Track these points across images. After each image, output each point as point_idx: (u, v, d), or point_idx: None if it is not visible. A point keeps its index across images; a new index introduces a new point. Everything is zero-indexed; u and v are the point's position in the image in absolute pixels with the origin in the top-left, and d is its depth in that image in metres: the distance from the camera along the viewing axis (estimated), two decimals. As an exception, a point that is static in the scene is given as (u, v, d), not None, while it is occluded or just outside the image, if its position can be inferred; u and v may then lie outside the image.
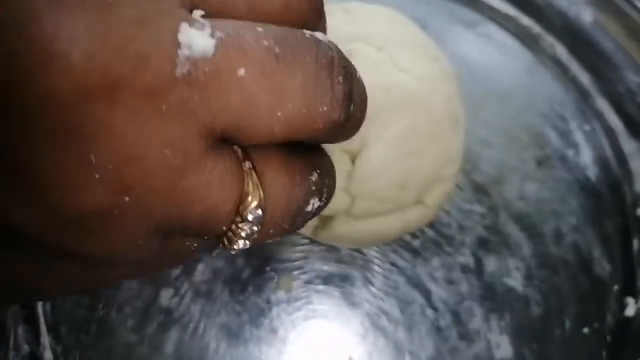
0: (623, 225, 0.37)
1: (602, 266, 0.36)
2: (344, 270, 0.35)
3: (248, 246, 0.17)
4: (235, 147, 0.16)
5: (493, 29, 0.41)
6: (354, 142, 0.27)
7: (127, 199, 0.14)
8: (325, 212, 0.30)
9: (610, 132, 0.39)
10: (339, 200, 0.29)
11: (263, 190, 0.16)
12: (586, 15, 0.40)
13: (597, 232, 0.37)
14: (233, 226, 0.16)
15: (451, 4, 0.42)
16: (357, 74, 0.18)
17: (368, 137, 0.27)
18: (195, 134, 0.14)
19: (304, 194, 0.18)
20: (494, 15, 0.41)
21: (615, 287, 0.35)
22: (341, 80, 0.16)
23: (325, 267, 0.35)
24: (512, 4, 0.42)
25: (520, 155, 0.38)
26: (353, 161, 0.28)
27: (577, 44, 0.40)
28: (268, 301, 0.34)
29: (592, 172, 0.38)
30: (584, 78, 0.40)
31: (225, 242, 0.17)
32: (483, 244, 0.36)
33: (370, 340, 0.33)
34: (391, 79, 0.27)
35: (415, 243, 0.36)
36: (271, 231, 0.18)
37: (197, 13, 0.14)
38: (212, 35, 0.14)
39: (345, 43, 0.28)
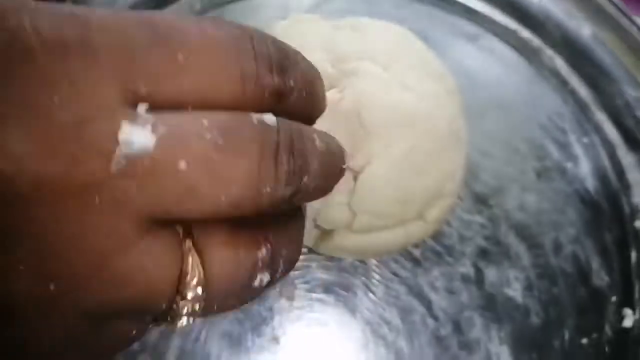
0: (621, 237, 0.37)
1: (601, 277, 0.36)
2: (345, 279, 0.35)
3: (192, 322, 0.17)
4: (177, 225, 0.16)
5: (494, 42, 0.41)
6: (357, 160, 0.28)
7: (52, 287, 0.14)
8: (326, 225, 0.30)
9: (608, 145, 0.39)
10: (340, 215, 0.29)
11: (204, 268, 0.16)
12: (585, 30, 0.41)
13: (595, 243, 0.37)
14: (174, 305, 0.16)
15: (452, 17, 0.42)
16: (315, 143, 0.18)
17: (371, 154, 0.28)
18: (130, 221, 0.14)
19: (249, 271, 0.17)
20: (494, 28, 0.42)
21: (614, 298, 0.36)
22: (285, 161, 0.16)
23: (327, 276, 0.35)
24: (512, 18, 0.42)
25: (520, 166, 0.39)
26: (355, 178, 0.29)
27: (577, 57, 0.41)
28: (270, 309, 0.34)
29: (591, 184, 0.39)
30: (583, 91, 0.41)
31: (168, 319, 0.17)
32: (483, 254, 0.36)
33: (371, 349, 0.33)
34: (395, 98, 0.28)
35: (416, 253, 0.36)
36: (215, 307, 0.17)
37: (142, 108, 0.14)
38: (153, 130, 0.14)
39: (352, 61, 0.29)
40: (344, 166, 0.25)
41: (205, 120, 0.15)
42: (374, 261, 0.36)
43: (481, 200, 0.37)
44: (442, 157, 0.29)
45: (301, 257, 0.35)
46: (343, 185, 0.29)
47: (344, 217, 0.29)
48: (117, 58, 0.14)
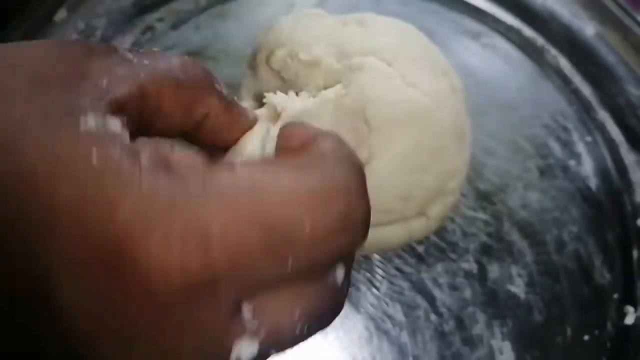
0: (623, 235, 0.38)
1: (603, 275, 0.36)
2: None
3: None
4: None
5: (498, 40, 0.42)
6: (360, 154, 0.28)
7: None
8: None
9: (611, 144, 0.40)
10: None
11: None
12: (589, 29, 0.41)
13: (597, 241, 0.37)
14: None
15: (457, 14, 0.42)
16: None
17: (374, 149, 0.28)
18: None
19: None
20: (498, 26, 0.42)
21: (615, 295, 0.36)
22: None
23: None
24: (516, 16, 0.42)
25: (524, 164, 0.39)
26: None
27: (580, 56, 0.41)
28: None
29: (593, 182, 0.39)
30: (586, 90, 0.41)
31: None
32: (486, 250, 0.36)
33: (375, 343, 0.34)
34: (399, 94, 0.28)
35: (420, 249, 0.36)
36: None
37: (247, 313, 0.16)
38: (257, 335, 0.16)
39: (357, 56, 0.29)
40: None
41: (297, 311, 0.16)
42: (377, 257, 0.36)
43: (484, 198, 0.38)
44: (445, 155, 0.29)
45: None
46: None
47: (347, 211, 0.29)
48: (236, 283, 0.15)
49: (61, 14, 0.40)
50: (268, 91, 0.32)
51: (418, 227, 0.31)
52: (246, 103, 0.32)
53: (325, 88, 0.29)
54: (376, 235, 0.31)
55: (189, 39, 0.42)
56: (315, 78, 0.29)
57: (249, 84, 0.33)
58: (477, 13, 0.42)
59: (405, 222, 0.30)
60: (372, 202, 0.29)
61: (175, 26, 0.42)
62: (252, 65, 0.33)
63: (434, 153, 0.28)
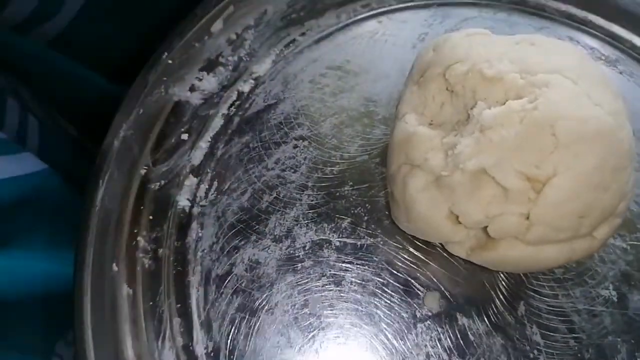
0: None
1: None
2: (484, 293, 0.35)
3: None
4: None
5: (635, 67, 0.41)
6: (541, 170, 0.28)
7: None
8: (496, 234, 0.30)
9: None
10: (514, 224, 0.29)
11: None
12: None
13: None
14: None
15: (592, 40, 0.42)
16: None
17: (559, 165, 0.27)
18: None
19: None
20: (634, 52, 0.42)
21: None
22: None
23: (466, 288, 0.35)
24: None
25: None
26: (534, 189, 0.28)
27: None
28: (414, 317, 0.33)
29: None
30: None
31: None
32: (626, 279, 0.36)
33: (514, 366, 0.33)
34: (588, 112, 0.28)
35: (557, 272, 0.36)
36: None
37: None
38: None
39: (541, 73, 0.29)
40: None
41: None
42: (510, 276, 0.35)
43: (624, 226, 0.37)
44: (623, 175, 0.29)
45: (441, 267, 0.36)
46: (521, 195, 0.29)
47: (518, 226, 0.29)
48: None
49: (218, 25, 0.41)
50: (430, 106, 0.33)
51: (582, 247, 0.30)
52: (412, 117, 0.32)
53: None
54: (542, 253, 0.30)
55: (330, 53, 0.42)
56: (496, 92, 0.29)
57: (412, 98, 0.33)
58: (612, 39, 0.42)
59: (570, 242, 0.30)
60: (549, 219, 0.29)
61: (318, 41, 0.42)
62: (418, 80, 0.33)
63: (614, 173, 0.28)
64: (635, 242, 0.37)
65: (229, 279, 0.33)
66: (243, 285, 0.33)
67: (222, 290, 0.33)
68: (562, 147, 0.27)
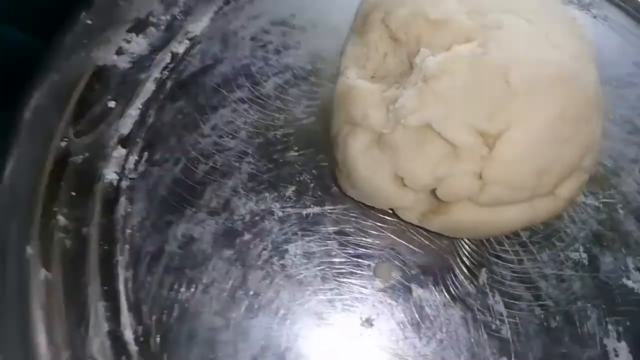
0: None
1: None
2: (443, 260, 0.32)
3: None
4: None
5: (610, 11, 0.37)
6: (494, 123, 0.24)
7: None
8: (447, 197, 0.27)
9: None
10: (466, 185, 0.26)
11: None
12: None
13: None
14: None
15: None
16: None
17: (514, 116, 0.24)
18: None
19: None
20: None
21: None
22: None
23: (424, 258, 0.32)
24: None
25: (640, 146, 0.35)
26: (487, 145, 0.25)
27: None
28: (362, 290, 0.31)
29: None
30: None
31: None
32: (598, 240, 0.33)
33: (473, 336, 0.30)
34: (545, 55, 0.24)
35: (523, 235, 0.33)
36: None
37: None
38: None
39: (493, 13, 0.25)
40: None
41: None
42: (472, 242, 0.32)
43: (596, 182, 0.34)
44: (587, 126, 0.25)
45: (395, 235, 0.33)
46: (472, 152, 0.25)
47: (471, 187, 0.26)
48: None
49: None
50: (373, 57, 0.29)
51: (545, 207, 0.27)
52: (352, 71, 0.28)
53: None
54: (498, 215, 0.27)
55: (274, 7, 0.38)
56: (442, 37, 0.25)
57: (354, 50, 0.29)
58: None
59: (530, 203, 0.27)
60: (504, 177, 0.25)
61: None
62: (359, 29, 0.29)
63: (577, 123, 0.25)
64: (608, 200, 0.34)
65: (160, 257, 0.30)
66: (176, 263, 0.30)
67: (153, 269, 0.30)
68: (516, 96, 0.24)
